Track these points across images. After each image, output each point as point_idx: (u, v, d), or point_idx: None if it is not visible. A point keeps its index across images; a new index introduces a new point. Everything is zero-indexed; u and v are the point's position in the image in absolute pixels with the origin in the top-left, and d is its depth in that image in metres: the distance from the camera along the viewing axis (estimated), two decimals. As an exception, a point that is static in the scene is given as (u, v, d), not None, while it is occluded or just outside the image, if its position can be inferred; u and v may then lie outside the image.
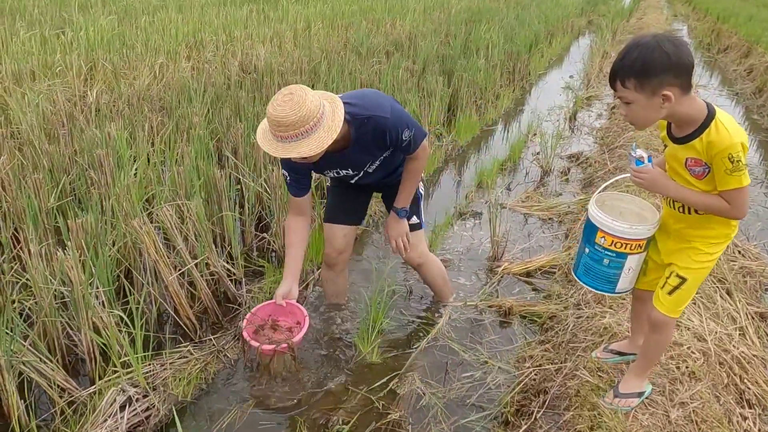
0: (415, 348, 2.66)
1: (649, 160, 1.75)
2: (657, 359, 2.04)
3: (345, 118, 2.00)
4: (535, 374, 2.39)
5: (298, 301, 2.40)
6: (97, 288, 2.33)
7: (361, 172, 2.34)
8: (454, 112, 5.89)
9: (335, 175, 2.37)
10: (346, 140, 2.13)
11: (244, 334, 2.24)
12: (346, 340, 2.69)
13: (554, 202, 4.21)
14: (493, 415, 2.28)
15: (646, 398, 2.01)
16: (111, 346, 2.21)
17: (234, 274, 2.98)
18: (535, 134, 5.64)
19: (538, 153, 5.11)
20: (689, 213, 1.74)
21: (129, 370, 2.22)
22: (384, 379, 2.44)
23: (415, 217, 2.59)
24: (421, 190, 2.63)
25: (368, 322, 2.63)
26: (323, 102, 1.96)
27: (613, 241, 1.83)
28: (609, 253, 1.85)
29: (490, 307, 2.98)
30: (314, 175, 2.63)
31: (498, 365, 2.55)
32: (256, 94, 4.75)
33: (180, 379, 2.32)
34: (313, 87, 4.90)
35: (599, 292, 1.99)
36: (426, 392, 2.38)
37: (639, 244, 1.82)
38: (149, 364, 2.36)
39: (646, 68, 1.55)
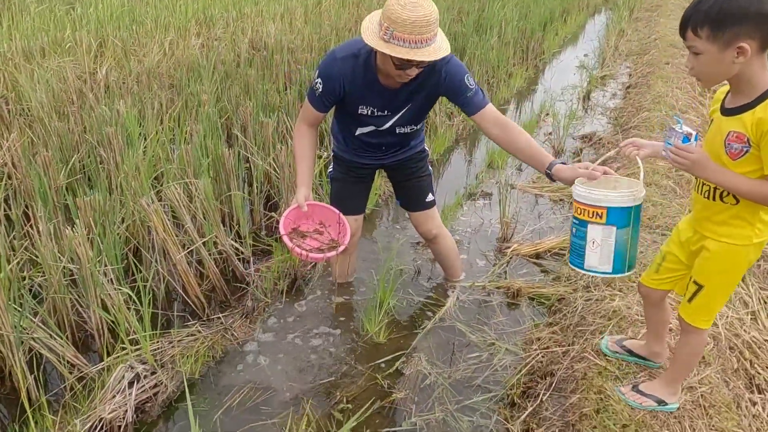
0: (422, 328, 2.65)
1: (696, 138, 1.55)
2: (686, 371, 1.87)
3: None
4: (542, 356, 2.38)
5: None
6: (106, 266, 2.34)
7: (391, 121, 2.27)
8: (466, 91, 5.81)
9: (364, 112, 2.25)
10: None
11: (295, 250, 2.08)
12: (353, 319, 2.69)
13: (566, 183, 4.15)
14: (499, 397, 2.28)
15: (665, 411, 1.86)
16: (119, 324, 2.23)
17: (242, 253, 2.99)
18: (547, 114, 5.56)
19: (550, 133, 5.04)
20: (717, 199, 1.57)
21: (137, 347, 2.24)
22: (389, 358, 2.45)
23: (430, 194, 2.62)
24: (430, 169, 2.63)
25: (375, 301, 2.63)
26: None
27: (576, 206, 1.74)
28: (575, 221, 1.76)
29: (498, 288, 2.97)
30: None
31: (505, 347, 2.55)
32: (265, 72, 4.72)
33: (188, 357, 2.34)
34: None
35: (574, 267, 1.86)
36: (431, 372, 2.38)
37: (597, 212, 1.66)
38: (158, 342, 2.38)
39: (723, 15, 1.39)
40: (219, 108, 3.99)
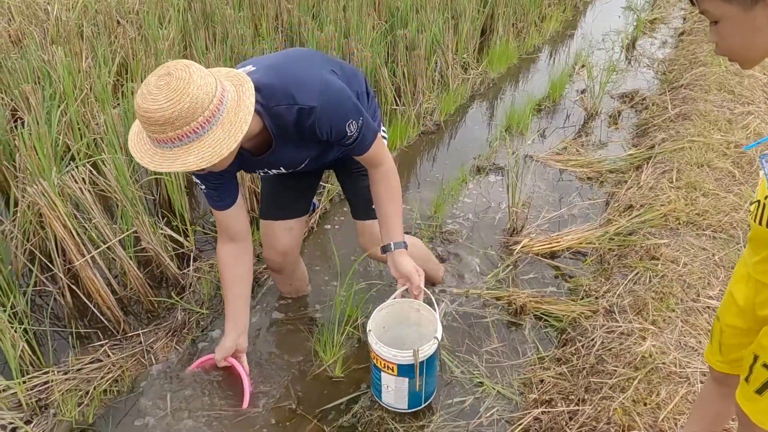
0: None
1: None
2: None
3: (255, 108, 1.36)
4: (542, 415, 1.79)
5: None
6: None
7: (300, 167, 1.70)
8: (489, 37, 5.01)
9: (265, 174, 1.75)
10: (264, 137, 1.48)
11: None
12: (306, 342, 2.14)
13: (596, 156, 3.44)
14: (479, 470, 1.73)
15: None
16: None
17: (182, 247, 2.43)
18: (582, 66, 4.73)
19: (584, 90, 4.25)
20: None
21: (9, 383, 1.74)
22: (344, 400, 1.91)
23: None
24: None
25: (333, 322, 2.07)
26: (222, 84, 1.33)
27: (371, 353, 1.73)
28: (372, 362, 1.76)
29: (497, 300, 2.36)
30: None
31: (497, 389, 1.97)
32: (246, 12, 4.02)
33: (84, 394, 1.83)
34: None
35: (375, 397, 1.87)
36: (397, 429, 1.83)
37: (389, 366, 1.67)
38: (49, 371, 1.88)
39: None
40: (182, 57, 3.35)
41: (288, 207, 1.94)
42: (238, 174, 1.77)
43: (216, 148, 1.27)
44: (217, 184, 1.61)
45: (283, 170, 1.70)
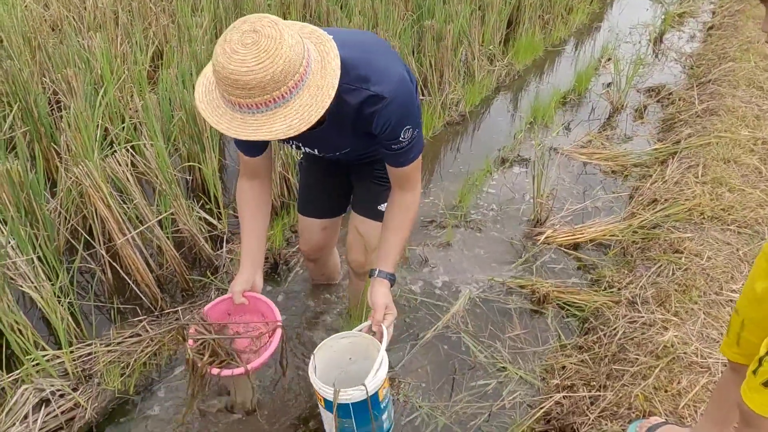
0: (420, 338, 2.16)
1: None
2: None
3: None
4: (563, 400, 1.85)
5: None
6: (28, 255, 1.91)
7: (332, 154, 1.65)
8: (515, 29, 5.01)
9: (296, 148, 1.71)
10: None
11: (188, 346, 1.54)
12: (335, 319, 2.22)
13: (621, 150, 3.46)
14: (502, 449, 1.79)
15: None
16: (15, 333, 1.78)
17: (215, 229, 2.52)
18: (609, 59, 4.72)
19: (609, 84, 4.25)
20: None
21: (58, 353, 1.84)
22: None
23: (384, 205, 1.74)
24: None
25: (363, 300, 2.14)
26: (306, 44, 1.21)
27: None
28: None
29: (521, 288, 2.41)
30: None
31: (519, 374, 2.02)
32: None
33: (125, 366, 1.93)
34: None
35: None
36: (422, 405, 1.90)
37: (318, 396, 1.52)
38: (92, 343, 1.97)
39: None
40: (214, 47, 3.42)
41: (323, 207, 1.93)
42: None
43: (304, 114, 1.18)
44: (247, 142, 1.46)
45: (316, 152, 1.63)
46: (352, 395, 1.46)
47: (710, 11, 6.08)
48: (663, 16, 5.74)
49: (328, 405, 1.48)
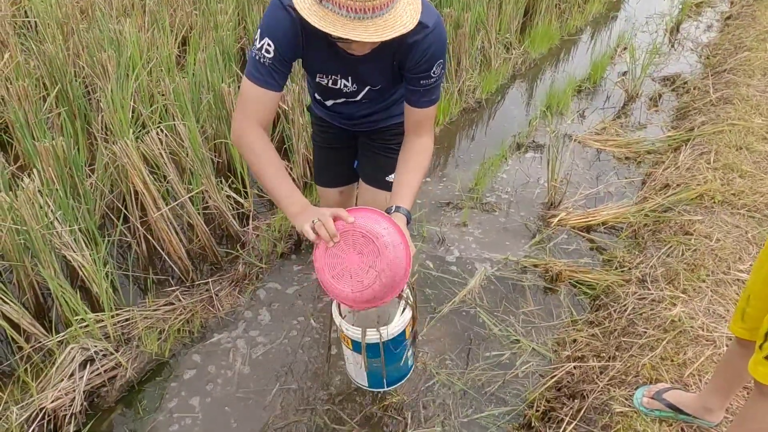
0: (437, 312, 2.27)
1: None
2: None
3: None
4: (574, 369, 1.95)
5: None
6: (72, 226, 2.04)
7: (361, 94, 1.67)
8: (531, 18, 5.06)
9: (325, 83, 1.64)
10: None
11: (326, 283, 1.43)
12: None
13: (635, 137, 3.52)
14: (515, 414, 1.89)
15: None
16: (67, 294, 1.92)
17: (242, 206, 2.63)
18: (625, 48, 4.76)
19: (625, 73, 4.30)
20: None
21: (99, 317, 1.97)
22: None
23: (393, 176, 1.74)
24: None
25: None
26: None
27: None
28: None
29: (535, 266, 2.50)
30: None
31: (532, 346, 2.12)
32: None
33: (161, 331, 2.05)
34: None
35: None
36: (439, 372, 2.01)
37: (345, 339, 1.60)
38: (130, 311, 2.10)
39: None
40: (238, 33, 3.53)
41: (336, 177, 2.02)
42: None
43: (413, 12, 1.32)
44: (282, 61, 1.46)
45: (346, 86, 1.62)
46: (382, 332, 1.52)
47: (728, 1, 6.07)
48: (680, 6, 5.75)
49: (357, 346, 1.55)
